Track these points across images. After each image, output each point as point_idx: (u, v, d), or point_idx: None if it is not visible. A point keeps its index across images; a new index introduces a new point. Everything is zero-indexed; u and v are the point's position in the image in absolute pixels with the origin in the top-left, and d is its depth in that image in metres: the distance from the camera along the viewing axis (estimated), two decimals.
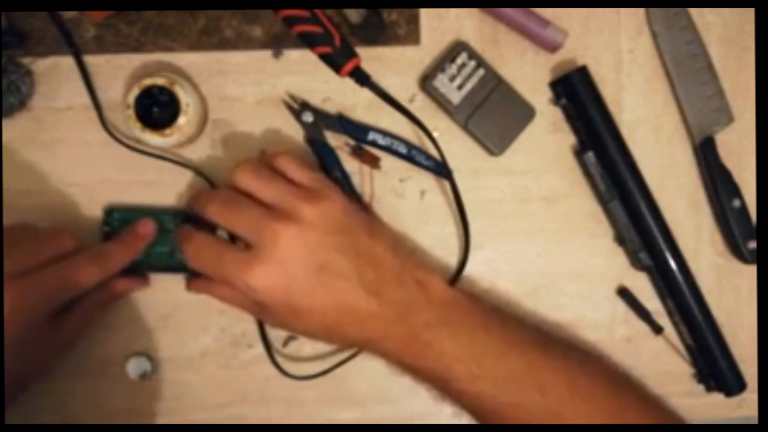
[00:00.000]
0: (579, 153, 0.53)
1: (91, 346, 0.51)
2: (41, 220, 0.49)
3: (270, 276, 0.43)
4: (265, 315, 0.48)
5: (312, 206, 0.44)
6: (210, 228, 0.47)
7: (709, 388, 0.55)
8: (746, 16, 0.55)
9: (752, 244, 0.54)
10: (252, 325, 0.52)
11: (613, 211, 0.53)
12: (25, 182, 0.50)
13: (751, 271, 0.55)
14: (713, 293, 0.55)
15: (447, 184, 0.52)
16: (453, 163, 0.52)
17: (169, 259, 0.50)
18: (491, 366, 0.46)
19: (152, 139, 0.47)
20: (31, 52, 0.49)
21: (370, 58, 0.50)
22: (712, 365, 0.54)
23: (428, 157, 0.52)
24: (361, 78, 0.49)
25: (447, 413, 0.53)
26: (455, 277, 0.53)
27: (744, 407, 0.56)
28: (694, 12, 0.54)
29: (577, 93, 0.52)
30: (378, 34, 0.51)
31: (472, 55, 0.52)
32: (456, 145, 0.53)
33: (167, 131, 0.47)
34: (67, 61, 0.50)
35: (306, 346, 0.53)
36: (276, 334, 0.52)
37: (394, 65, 0.52)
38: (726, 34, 0.55)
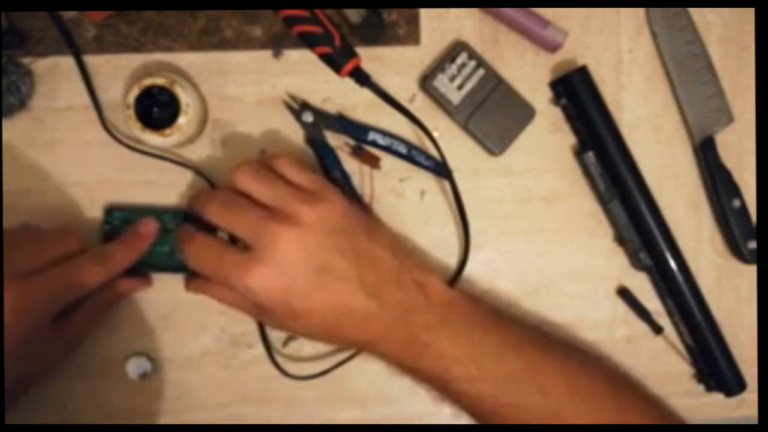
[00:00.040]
0: (579, 153, 0.53)
1: (92, 346, 0.51)
2: (41, 220, 0.49)
3: (269, 278, 0.43)
4: (264, 317, 0.48)
5: (311, 208, 0.44)
6: (210, 228, 0.47)
7: (709, 388, 0.55)
8: (746, 16, 0.55)
9: (752, 244, 0.54)
10: (252, 325, 0.52)
11: (613, 211, 0.53)
12: (25, 182, 0.50)
13: (751, 271, 0.55)
14: (713, 293, 0.55)
15: (447, 184, 0.52)
16: (453, 163, 0.52)
17: (169, 258, 0.50)
18: (490, 367, 0.46)
19: (152, 139, 0.47)
20: (31, 52, 0.50)
21: (370, 58, 0.50)
22: (712, 365, 0.54)
23: (428, 157, 0.52)
24: (361, 78, 0.49)
25: (447, 413, 0.53)
26: (455, 277, 0.53)
27: (744, 407, 0.56)
28: (694, 12, 0.54)
29: (577, 93, 0.52)
30: (378, 34, 0.51)
31: (472, 55, 0.52)
32: (456, 145, 0.53)
33: (167, 131, 0.47)
34: (67, 61, 0.50)
35: (306, 346, 0.53)
36: (276, 334, 0.53)
37: (394, 65, 0.52)
38: (726, 34, 0.55)
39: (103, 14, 0.49)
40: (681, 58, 0.54)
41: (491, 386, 0.46)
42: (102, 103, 0.50)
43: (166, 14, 0.50)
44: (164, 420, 0.52)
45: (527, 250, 0.54)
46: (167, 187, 0.51)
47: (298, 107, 0.51)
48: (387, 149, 0.51)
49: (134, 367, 0.51)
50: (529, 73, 0.53)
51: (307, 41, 0.48)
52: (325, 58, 0.48)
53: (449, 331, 0.46)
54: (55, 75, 0.50)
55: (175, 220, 0.50)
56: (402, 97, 0.52)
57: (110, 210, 0.50)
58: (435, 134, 0.51)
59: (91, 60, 0.50)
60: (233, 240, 0.47)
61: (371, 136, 0.51)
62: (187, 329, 0.52)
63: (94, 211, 0.51)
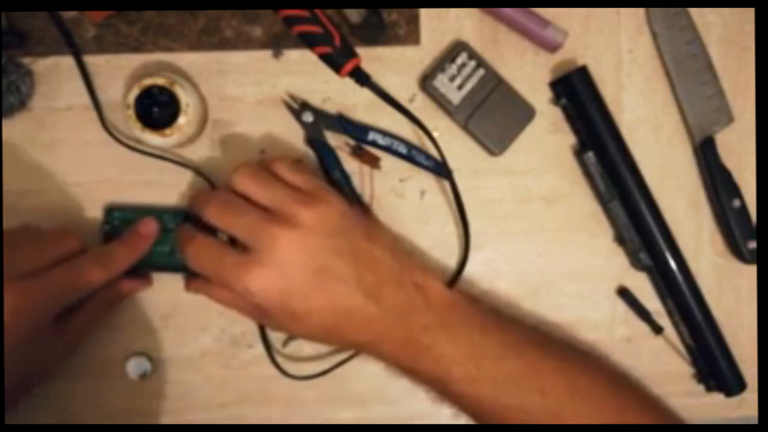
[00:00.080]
0: (579, 153, 0.53)
1: (92, 346, 0.51)
2: (41, 220, 0.49)
3: (268, 279, 0.43)
4: (263, 318, 0.48)
5: (310, 210, 0.44)
6: (210, 228, 0.47)
7: (709, 388, 0.55)
8: (746, 16, 0.55)
9: (752, 244, 0.54)
10: (252, 325, 0.52)
11: (613, 211, 0.53)
12: (25, 182, 0.50)
13: (751, 271, 0.55)
14: (713, 293, 0.55)
15: (447, 184, 0.52)
16: (453, 163, 0.52)
17: (169, 258, 0.50)
18: (490, 368, 0.46)
19: (152, 139, 0.47)
20: (31, 52, 0.50)
21: (370, 58, 0.50)
22: (712, 365, 0.54)
23: (428, 157, 0.52)
24: (361, 78, 0.49)
25: (446, 414, 0.53)
26: (455, 277, 0.53)
27: (744, 407, 0.56)
28: (694, 12, 0.54)
29: (577, 93, 0.52)
30: (378, 34, 0.51)
31: (472, 55, 0.52)
32: (456, 145, 0.53)
33: (167, 131, 0.47)
34: (67, 61, 0.50)
35: (306, 346, 0.53)
36: (276, 334, 0.52)
37: (394, 65, 0.52)
38: (726, 34, 0.55)
39: (103, 14, 0.49)
40: (681, 58, 0.54)
41: (491, 387, 0.46)
42: (102, 103, 0.50)
43: (166, 14, 0.50)
44: (164, 420, 0.52)
45: (527, 250, 0.54)
46: (167, 187, 0.51)
47: (298, 107, 0.51)
48: (387, 149, 0.51)
49: (134, 367, 0.51)
50: (529, 73, 0.53)
51: (307, 41, 0.48)
52: (325, 58, 0.48)
53: (449, 332, 0.46)
54: (55, 75, 0.50)
55: (175, 220, 0.50)
56: (402, 97, 0.52)
57: (110, 210, 0.50)
58: (435, 134, 0.51)
59: (91, 60, 0.50)
60: (233, 241, 0.47)
61: (371, 136, 0.51)
62: (187, 329, 0.52)
63: (94, 211, 0.51)
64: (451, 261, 0.54)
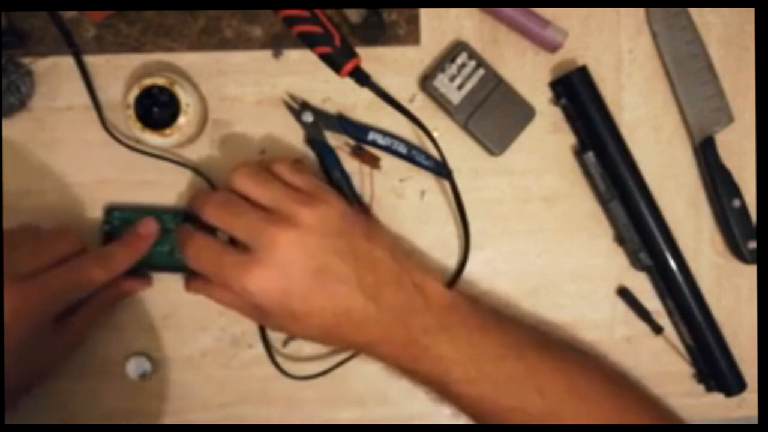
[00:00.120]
0: (579, 153, 0.53)
1: (92, 346, 0.51)
2: (41, 220, 0.49)
3: (268, 280, 0.43)
4: (263, 318, 0.48)
5: (310, 210, 0.44)
6: (210, 228, 0.47)
7: (709, 388, 0.55)
8: (746, 16, 0.55)
9: (752, 244, 0.54)
10: (252, 325, 0.52)
11: (613, 211, 0.53)
12: (25, 182, 0.50)
13: (751, 271, 0.55)
14: (713, 293, 0.55)
15: (447, 184, 0.52)
16: (453, 163, 0.52)
17: (169, 258, 0.50)
18: (490, 369, 0.46)
19: (152, 139, 0.47)
20: (31, 52, 0.50)
21: (370, 58, 0.50)
22: (712, 365, 0.54)
23: (428, 157, 0.52)
24: (361, 78, 0.49)
25: (446, 414, 0.53)
26: (455, 277, 0.53)
27: (744, 407, 0.56)
28: (694, 12, 0.54)
29: (577, 93, 0.52)
30: (378, 34, 0.51)
31: (472, 55, 0.52)
32: (456, 145, 0.53)
33: (167, 131, 0.47)
34: (67, 61, 0.50)
35: (306, 347, 0.53)
36: (276, 334, 0.52)
37: (394, 65, 0.52)
38: (726, 34, 0.55)
39: (103, 14, 0.49)
40: (681, 58, 0.54)
41: (491, 388, 0.46)
42: (102, 103, 0.50)
43: (166, 14, 0.50)
44: (164, 420, 0.52)
45: (527, 250, 0.54)
46: (167, 187, 0.51)
47: (298, 107, 0.51)
48: (387, 149, 0.51)
49: (134, 367, 0.51)
50: (529, 73, 0.53)
51: (307, 41, 0.48)
52: (325, 58, 0.48)
53: (448, 333, 0.46)
54: (55, 75, 0.50)
55: (175, 220, 0.50)
56: (402, 97, 0.52)
57: (110, 210, 0.50)
58: (435, 134, 0.51)
59: (91, 60, 0.50)
60: (233, 241, 0.47)
61: (371, 136, 0.51)
62: (187, 329, 0.52)
63: (94, 211, 0.51)
64: (451, 261, 0.54)
